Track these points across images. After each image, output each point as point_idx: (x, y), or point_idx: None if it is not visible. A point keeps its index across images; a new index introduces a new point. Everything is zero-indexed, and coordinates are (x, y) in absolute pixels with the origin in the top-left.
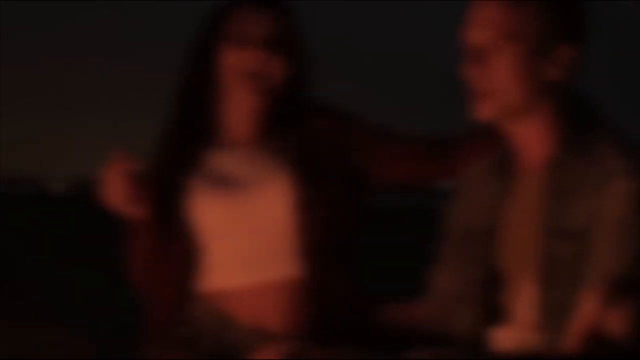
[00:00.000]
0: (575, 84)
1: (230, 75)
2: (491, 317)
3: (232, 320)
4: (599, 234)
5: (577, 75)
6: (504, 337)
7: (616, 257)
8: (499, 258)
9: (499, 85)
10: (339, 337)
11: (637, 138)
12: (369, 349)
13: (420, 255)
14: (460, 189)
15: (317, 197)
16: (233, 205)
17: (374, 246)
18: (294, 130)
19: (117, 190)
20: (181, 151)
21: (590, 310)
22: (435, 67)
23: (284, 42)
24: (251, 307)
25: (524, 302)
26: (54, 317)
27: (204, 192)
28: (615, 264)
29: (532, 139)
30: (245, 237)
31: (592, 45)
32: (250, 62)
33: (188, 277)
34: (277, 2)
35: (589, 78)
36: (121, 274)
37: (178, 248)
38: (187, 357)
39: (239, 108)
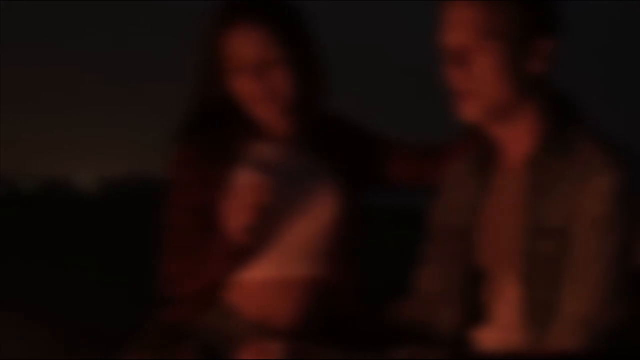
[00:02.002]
0: (559, 82)
1: (242, 99)
2: (474, 315)
3: (237, 313)
4: (580, 231)
5: (555, 68)
6: (487, 338)
7: (597, 253)
8: (480, 256)
9: (482, 85)
10: (329, 336)
11: (623, 136)
12: (353, 348)
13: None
14: (443, 188)
15: (349, 198)
16: (285, 199)
17: (370, 246)
18: (321, 133)
19: (241, 218)
20: (225, 145)
21: None
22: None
23: (284, 56)
24: (261, 300)
25: (507, 300)
26: (40, 318)
27: None
28: (596, 260)
29: (515, 138)
30: (288, 231)
31: (572, 39)
32: (254, 88)
33: (224, 273)
34: (271, 13)
35: (578, 77)
36: (100, 273)
37: (221, 243)
38: (177, 351)
39: (266, 113)
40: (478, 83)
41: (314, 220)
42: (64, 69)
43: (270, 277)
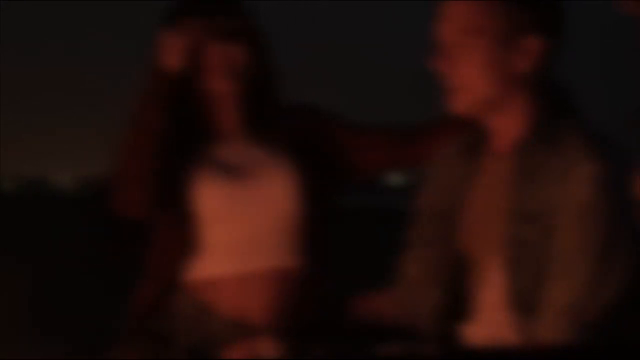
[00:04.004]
0: (556, 75)
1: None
2: (457, 300)
3: (212, 310)
4: (565, 220)
5: (551, 66)
6: (474, 335)
7: (582, 242)
8: (465, 240)
9: (469, 80)
10: (314, 330)
11: (618, 132)
12: (341, 342)
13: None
14: (429, 173)
15: (313, 189)
16: (238, 191)
17: (363, 246)
18: (280, 125)
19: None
20: (179, 147)
21: None
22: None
23: (240, 32)
24: (234, 296)
25: (491, 284)
26: (17, 315)
27: (207, 180)
28: (581, 249)
29: (505, 126)
30: (245, 223)
31: (568, 38)
32: (214, 57)
33: (179, 268)
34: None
35: (573, 71)
36: (84, 272)
37: (176, 239)
38: (162, 352)
39: (222, 98)
40: (465, 78)
41: (271, 212)
42: (46, 71)
43: (238, 273)
